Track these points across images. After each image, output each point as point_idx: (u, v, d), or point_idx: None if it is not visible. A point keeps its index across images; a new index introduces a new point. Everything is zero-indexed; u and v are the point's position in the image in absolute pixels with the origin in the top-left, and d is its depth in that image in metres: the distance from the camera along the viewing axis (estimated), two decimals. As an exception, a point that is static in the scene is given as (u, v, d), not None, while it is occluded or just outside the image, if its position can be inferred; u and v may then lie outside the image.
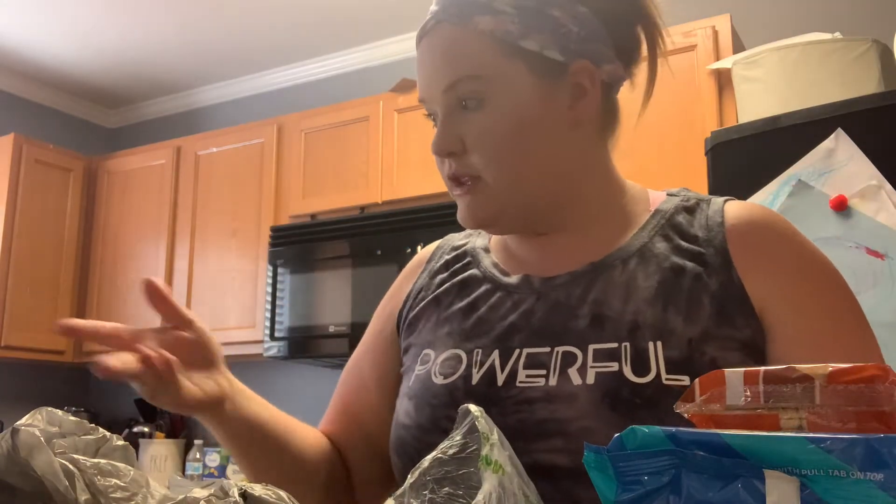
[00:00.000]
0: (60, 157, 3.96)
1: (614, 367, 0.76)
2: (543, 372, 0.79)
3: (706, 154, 2.05)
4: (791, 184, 1.87)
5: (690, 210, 0.87)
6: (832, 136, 1.85)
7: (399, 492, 0.51)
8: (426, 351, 0.89)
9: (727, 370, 0.48)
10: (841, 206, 1.80)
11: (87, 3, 3.51)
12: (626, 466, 0.42)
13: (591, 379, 0.76)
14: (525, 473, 0.56)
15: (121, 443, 0.59)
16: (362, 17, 3.60)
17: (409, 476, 0.53)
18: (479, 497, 0.47)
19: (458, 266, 0.95)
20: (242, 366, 3.76)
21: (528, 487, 0.54)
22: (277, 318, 3.29)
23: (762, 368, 0.47)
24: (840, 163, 1.83)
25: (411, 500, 0.50)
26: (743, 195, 1.94)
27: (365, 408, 0.97)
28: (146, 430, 3.80)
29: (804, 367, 0.45)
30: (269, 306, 3.31)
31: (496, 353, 0.83)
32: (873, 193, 1.78)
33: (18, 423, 0.53)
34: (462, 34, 0.84)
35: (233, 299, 3.54)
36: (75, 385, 4.32)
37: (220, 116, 4.31)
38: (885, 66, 2.02)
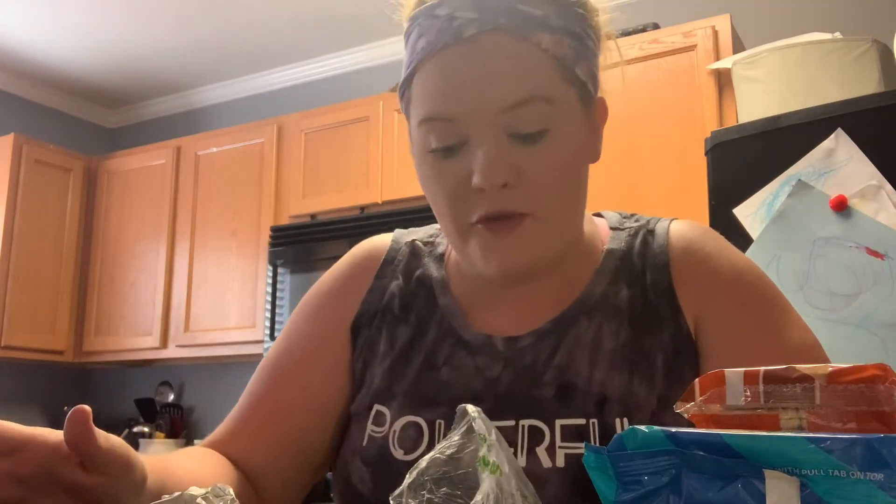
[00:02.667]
0: (60, 157, 3.96)
1: (583, 448, 0.74)
2: (511, 450, 0.75)
3: (706, 154, 2.05)
4: (791, 184, 1.87)
5: (640, 248, 0.84)
6: (832, 136, 1.85)
7: (397, 492, 0.51)
8: (379, 407, 0.83)
9: (727, 370, 0.48)
10: (841, 206, 1.80)
11: (87, 3, 3.51)
12: (626, 466, 0.42)
13: (560, 461, 0.74)
14: (523, 473, 0.56)
15: None
16: (362, 17, 3.60)
17: (407, 476, 0.52)
18: (478, 497, 0.47)
19: (413, 300, 0.88)
20: (242, 366, 3.76)
21: (526, 488, 0.54)
22: (277, 318, 3.29)
23: (762, 368, 0.47)
24: (840, 163, 1.83)
25: (409, 501, 0.50)
26: (743, 195, 1.94)
27: (306, 427, 0.86)
28: (146, 430, 3.80)
29: (804, 367, 0.45)
30: (269, 306, 3.31)
31: None
32: (873, 193, 1.78)
33: None
34: (525, 50, 0.74)
35: (233, 299, 3.54)
36: (75, 385, 4.32)
37: (220, 116, 4.31)
38: (885, 66, 2.02)
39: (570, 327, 0.81)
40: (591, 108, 0.82)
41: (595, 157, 0.84)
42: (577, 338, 0.80)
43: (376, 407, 0.83)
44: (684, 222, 0.87)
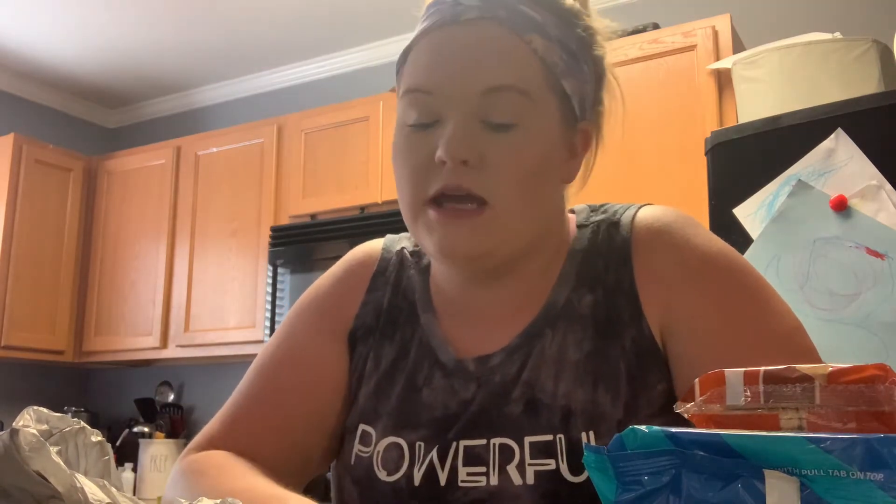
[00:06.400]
0: (60, 157, 3.96)
1: (551, 464, 0.75)
2: (483, 469, 0.77)
3: (706, 154, 2.05)
4: (791, 184, 1.87)
5: (603, 246, 0.83)
6: (832, 136, 1.85)
7: None
8: (365, 427, 0.84)
9: (727, 370, 0.48)
10: (841, 206, 1.80)
11: (87, 2, 3.51)
12: (626, 466, 0.42)
13: (530, 479, 0.75)
14: None
15: (97, 438, 0.60)
16: (362, 17, 3.60)
17: None
18: None
19: (399, 316, 0.89)
20: (242, 366, 3.76)
21: None
22: (277, 319, 3.29)
23: (762, 368, 0.47)
24: (840, 163, 1.83)
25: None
26: (743, 195, 1.94)
27: (306, 434, 0.87)
28: (146, 430, 3.80)
29: (804, 367, 0.45)
30: (269, 306, 3.31)
31: (435, 450, 0.79)
32: (873, 193, 1.78)
33: (14, 424, 0.53)
34: (515, 43, 0.77)
35: (233, 299, 3.54)
36: (75, 385, 4.32)
37: (220, 116, 4.31)
38: (885, 66, 2.02)
39: (537, 341, 0.81)
40: (573, 129, 0.82)
41: (569, 177, 0.84)
42: (542, 351, 0.80)
43: (362, 427, 0.84)
44: (652, 209, 0.85)
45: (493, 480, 0.76)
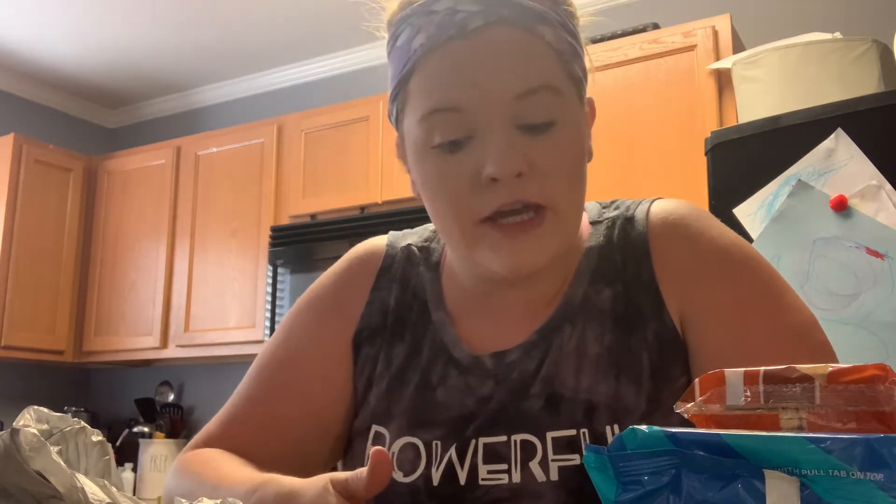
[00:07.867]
0: (60, 157, 3.96)
1: (576, 460, 0.73)
2: (504, 466, 0.76)
3: (706, 154, 2.05)
4: (791, 184, 1.87)
5: (619, 241, 0.82)
6: (832, 136, 1.85)
7: None
8: (378, 428, 0.83)
9: (727, 370, 0.48)
10: (841, 206, 1.80)
11: (87, 3, 3.51)
12: (626, 466, 0.42)
13: (554, 475, 0.74)
14: None
15: (98, 438, 0.60)
16: (362, 16, 3.59)
17: None
18: None
19: (408, 314, 0.87)
20: (242, 366, 3.76)
21: None
22: (277, 319, 3.29)
23: (762, 368, 0.47)
24: (840, 163, 1.83)
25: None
26: (743, 195, 1.94)
27: (306, 438, 0.87)
28: (146, 430, 3.80)
29: (804, 367, 0.45)
30: (269, 306, 3.31)
31: (453, 448, 0.78)
32: (873, 193, 1.78)
33: (15, 424, 0.53)
34: (530, 41, 0.74)
35: (233, 299, 3.54)
36: (75, 385, 4.32)
37: (220, 116, 4.31)
38: (885, 66, 2.02)
39: (555, 336, 0.80)
40: (584, 108, 0.82)
41: (590, 156, 0.83)
42: (561, 346, 0.79)
43: (375, 428, 0.83)
44: (665, 203, 0.84)
45: (516, 477, 0.75)
